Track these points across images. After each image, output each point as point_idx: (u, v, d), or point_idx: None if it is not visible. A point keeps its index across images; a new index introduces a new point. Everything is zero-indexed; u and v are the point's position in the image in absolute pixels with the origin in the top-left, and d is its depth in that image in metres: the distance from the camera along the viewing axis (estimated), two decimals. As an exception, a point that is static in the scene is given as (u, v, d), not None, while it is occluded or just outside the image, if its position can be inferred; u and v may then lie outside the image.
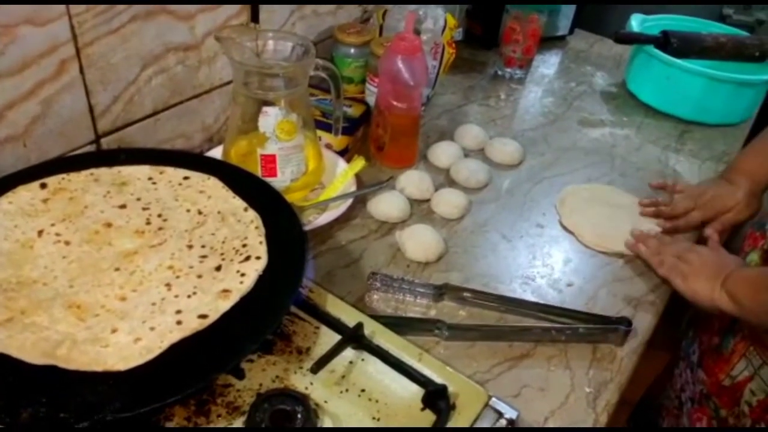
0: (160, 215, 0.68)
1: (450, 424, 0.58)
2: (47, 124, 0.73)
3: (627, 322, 0.75)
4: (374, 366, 0.63)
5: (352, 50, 1.08)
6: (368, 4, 1.18)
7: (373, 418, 0.58)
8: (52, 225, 0.64)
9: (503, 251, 0.87)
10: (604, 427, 0.67)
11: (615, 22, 1.42)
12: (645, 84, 1.28)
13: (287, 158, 0.83)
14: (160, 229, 0.66)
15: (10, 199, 0.66)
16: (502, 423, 0.60)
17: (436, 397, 0.59)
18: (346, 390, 0.60)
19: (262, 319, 0.58)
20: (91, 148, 0.79)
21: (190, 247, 0.64)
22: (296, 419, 0.55)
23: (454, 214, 0.91)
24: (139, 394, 0.51)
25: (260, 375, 0.60)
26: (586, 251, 0.89)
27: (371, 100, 1.04)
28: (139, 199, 0.69)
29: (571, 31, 1.51)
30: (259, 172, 0.82)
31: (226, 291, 0.59)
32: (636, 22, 1.30)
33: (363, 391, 0.60)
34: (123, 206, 0.68)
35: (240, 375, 0.59)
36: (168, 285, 0.60)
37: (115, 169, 0.72)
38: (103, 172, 0.72)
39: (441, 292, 0.77)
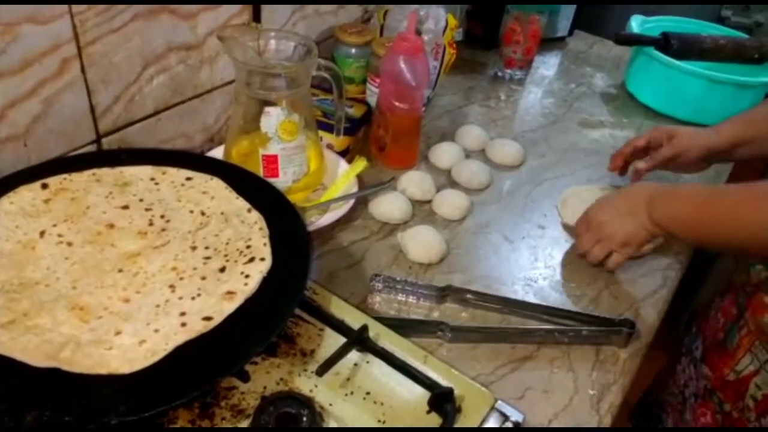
0: (162, 216, 0.67)
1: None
2: (48, 124, 0.72)
3: (630, 324, 0.75)
4: (379, 368, 0.62)
5: (354, 50, 1.07)
6: (369, 4, 1.18)
7: (379, 421, 0.58)
8: (54, 226, 0.64)
9: (505, 252, 0.87)
10: (608, 427, 0.67)
11: (615, 23, 1.42)
12: (645, 85, 1.28)
13: (289, 158, 0.82)
14: (163, 230, 0.66)
15: (12, 200, 0.65)
16: (508, 426, 0.60)
17: (443, 400, 0.59)
18: (351, 393, 0.60)
19: (266, 322, 0.58)
20: (92, 147, 0.79)
21: (193, 248, 0.64)
22: (301, 422, 0.55)
23: (455, 215, 0.91)
24: (144, 398, 0.50)
25: (264, 377, 0.60)
26: (588, 253, 0.89)
27: (372, 100, 1.04)
28: (141, 200, 0.69)
29: (570, 33, 1.51)
30: (260, 173, 0.82)
31: (230, 293, 0.59)
32: (636, 24, 1.30)
33: (368, 393, 0.60)
34: (125, 207, 0.68)
35: (244, 377, 0.59)
36: (172, 287, 0.60)
37: (117, 170, 0.72)
38: (105, 173, 0.71)
39: (443, 293, 0.77)
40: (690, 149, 0.92)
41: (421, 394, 0.60)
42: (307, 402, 0.57)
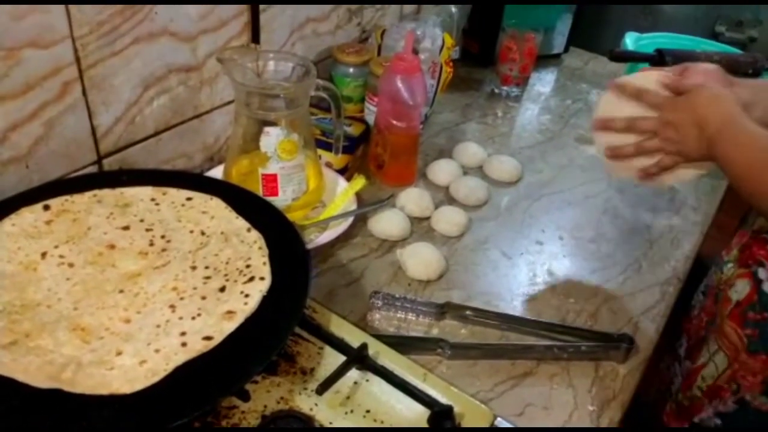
0: (163, 236, 0.68)
1: (455, 445, 0.58)
2: (50, 146, 0.73)
3: (629, 339, 0.75)
4: (379, 386, 0.63)
5: (351, 70, 1.09)
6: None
7: (379, 439, 0.58)
8: (56, 247, 0.64)
9: (504, 269, 0.88)
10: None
11: (609, 40, 1.44)
12: (640, 101, 1.29)
13: (288, 177, 0.83)
14: (163, 250, 0.66)
15: (14, 221, 0.66)
16: (508, 443, 0.60)
17: (442, 418, 0.59)
18: (351, 411, 0.60)
19: (266, 340, 0.58)
20: (94, 168, 0.79)
21: (193, 268, 0.64)
22: (302, 441, 0.55)
23: (454, 232, 0.92)
24: (145, 418, 0.51)
25: (265, 396, 0.60)
26: (587, 267, 0.89)
27: (370, 119, 1.05)
28: (142, 221, 0.69)
29: (566, 49, 1.53)
30: (260, 192, 0.83)
31: (230, 312, 0.59)
32: (630, 41, 1.31)
33: (368, 411, 0.60)
34: (126, 227, 0.68)
35: (245, 397, 0.59)
36: (172, 306, 0.60)
37: (118, 191, 0.73)
38: (106, 194, 0.72)
39: (443, 310, 0.77)
40: None
41: (420, 411, 0.60)
42: (307, 421, 0.57)
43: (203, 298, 0.61)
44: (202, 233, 0.69)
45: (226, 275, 0.64)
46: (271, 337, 0.58)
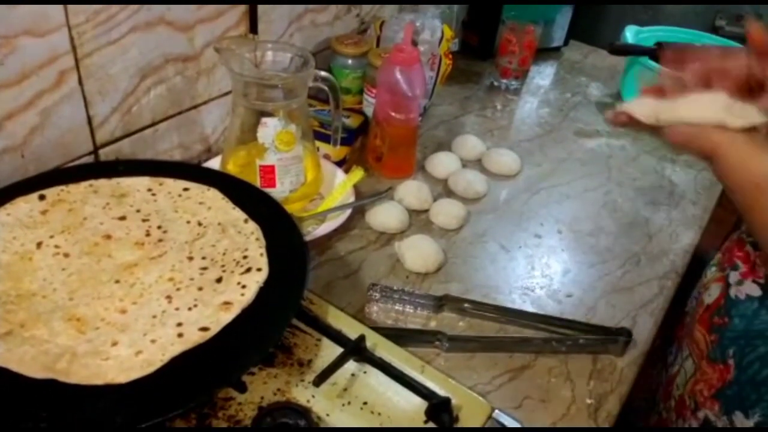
0: (159, 227, 0.67)
1: (453, 437, 0.58)
2: (46, 135, 0.73)
3: (627, 333, 0.75)
4: (376, 378, 0.62)
5: (350, 61, 1.08)
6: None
7: (376, 431, 0.58)
8: (51, 237, 0.64)
9: (502, 262, 0.87)
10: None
11: (609, 33, 1.43)
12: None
13: (286, 169, 0.83)
14: (160, 240, 0.66)
15: (9, 211, 0.65)
16: (505, 435, 0.60)
17: (440, 410, 0.58)
18: (349, 403, 0.60)
19: (263, 332, 0.58)
20: (90, 159, 0.79)
21: (190, 258, 0.64)
22: (299, 432, 0.55)
23: (452, 225, 0.92)
24: (140, 408, 0.50)
25: (262, 388, 0.60)
26: (585, 261, 0.89)
27: (369, 110, 1.04)
28: (138, 211, 0.69)
29: (565, 43, 1.52)
30: (257, 183, 0.82)
31: (227, 303, 0.59)
32: (630, 34, 1.31)
33: (365, 403, 0.60)
34: (122, 218, 0.68)
35: (241, 388, 0.59)
36: (168, 297, 0.60)
37: (114, 181, 0.72)
38: (102, 184, 0.71)
39: (441, 303, 0.77)
40: None
41: (418, 403, 0.60)
42: (304, 412, 0.57)
43: (200, 288, 0.61)
44: (199, 224, 0.68)
45: (222, 266, 0.63)
46: (268, 328, 0.58)
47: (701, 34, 1.36)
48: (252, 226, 0.68)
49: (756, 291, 0.70)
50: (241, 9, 0.89)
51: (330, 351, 0.64)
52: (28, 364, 0.52)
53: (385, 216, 0.89)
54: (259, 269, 0.63)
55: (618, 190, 1.05)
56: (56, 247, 0.63)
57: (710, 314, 0.76)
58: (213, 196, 0.72)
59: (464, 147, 1.09)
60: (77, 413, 0.49)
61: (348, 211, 0.87)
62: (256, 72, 0.81)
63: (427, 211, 0.93)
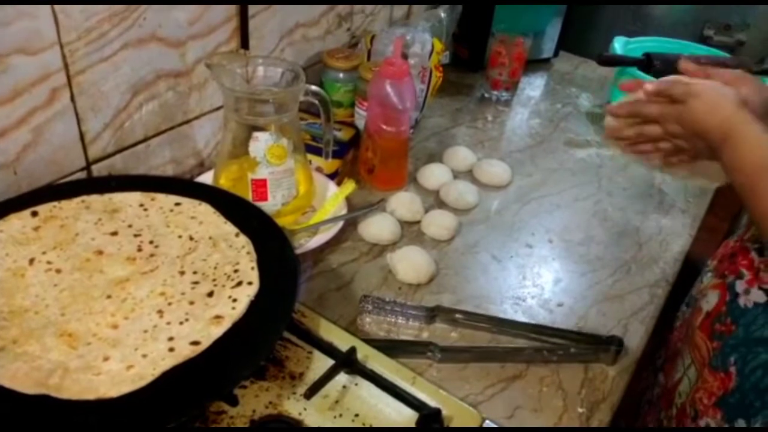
0: (151, 242, 0.68)
1: (444, 448, 0.58)
2: (38, 152, 0.73)
3: (618, 342, 0.75)
4: (368, 390, 0.63)
5: (341, 75, 1.09)
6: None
7: (367, 443, 0.58)
8: (44, 253, 0.64)
9: (494, 272, 0.88)
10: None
11: (599, 44, 1.45)
12: (629, 105, 1.30)
13: (278, 182, 0.83)
14: (151, 255, 0.66)
15: (1, 228, 0.65)
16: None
17: (430, 421, 0.59)
18: (340, 415, 0.60)
19: (254, 345, 0.58)
20: (82, 175, 0.79)
21: (182, 273, 0.65)
22: (290, 445, 0.55)
23: (444, 236, 0.92)
24: (132, 423, 0.51)
25: (253, 401, 0.60)
26: (576, 270, 0.90)
27: (360, 123, 1.05)
28: (130, 226, 0.69)
29: (555, 54, 1.54)
30: (250, 197, 0.83)
31: (218, 317, 0.59)
32: (619, 45, 1.32)
33: (357, 415, 0.60)
34: (114, 233, 0.68)
35: (233, 401, 0.59)
36: (160, 312, 0.60)
37: (106, 196, 0.73)
38: (94, 200, 0.72)
39: (433, 314, 0.77)
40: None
41: (409, 415, 0.60)
42: (296, 425, 0.57)
43: (191, 303, 0.61)
44: (191, 238, 0.69)
45: (214, 280, 0.64)
46: (260, 341, 0.59)
47: (690, 44, 1.38)
48: (243, 240, 0.69)
49: (762, 297, 0.71)
50: (233, 24, 0.90)
51: (321, 363, 0.64)
52: (21, 380, 0.52)
53: (377, 228, 0.90)
54: (250, 283, 0.63)
55: (608, 200, 1.06)
56: (48, 263, 0.64)
57: (711, 321, 0.76)
58: (204, 210, 0.73)
59: (455, 158, 1.10)
60: (70, 428, 0.50)
61: (340, 224, 0.87)
62: (247, 87, 0.82)
63: (418, 222, 0.94)
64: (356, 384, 0.63)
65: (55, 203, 0.70)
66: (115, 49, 0.76)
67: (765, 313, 0.70)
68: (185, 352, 0.56)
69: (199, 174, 0.93)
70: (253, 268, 0.65)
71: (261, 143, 0.80)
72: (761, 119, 0.67)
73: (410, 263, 0.84)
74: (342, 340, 0.67)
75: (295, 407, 0.60)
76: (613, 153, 1.19)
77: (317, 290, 0.80)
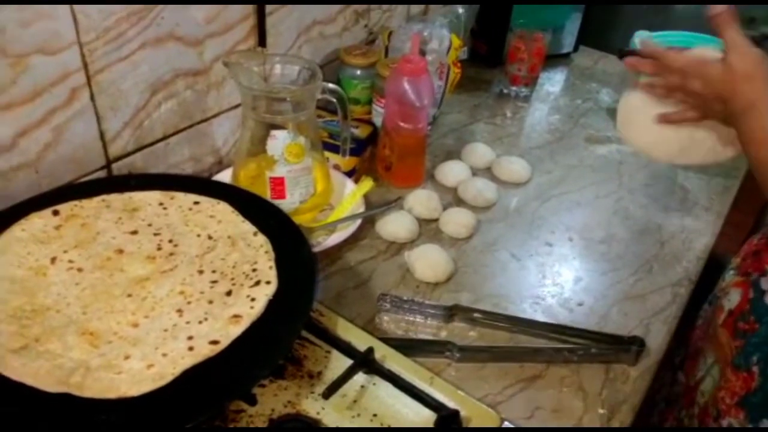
0: (170, 240, 0.68)
1: (463, 448, 0.58)
2: (59, 151, 0.74)
3: (640, 342, 0.74)
4: (386, 390, 0.62)
5: (359, 72, 1.08)
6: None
7: (386, 443, 0.58)
8: (65, 252, 0.65)
9: (513, 270, 0.87)
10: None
11: (619, 38, 1.42)
12: (651, 100, 1.28)
13: (296, 180, 0.83)
14: (171, 254, 0.67)
15: (23, 227, 0.66)
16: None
17: (449, 422, 0.58)
18: (358, 415, 0.60)
19: (273, 344, 0.58)
20: (102, 173, 0.80)
21: (200, 272, 0.65)
22: (309, 445, 0.55)
23: (462, 234, 0.92)
24: (152, 422, 0.51)
25: (272, 400, 0.60)
26: (597, 269, 0.89)
27: (378, 120, 1.05)
28: (150, 225, 0.70)
29: (575, 49, 1.52)
30: (268, 195, 0.83)
31: (236, 316, 0.59)
32: (640, 39, 1.30)
33: (375, 415, 0.60)
34: (134, 232, 0.69)
35: (252, 400, 0.59)
36: (179, 311, 0.60)
37: (126, 195, 0.73)
38: (114, 198, 0.72)
39: (451, 313, 0.77)
40: None
41: (427, 415, 0.60)
42: (314, 425, 0.57)
43: (210, 302, 0.61)
44: (209, 237, 0.69)
45: (232, 279, 0.64)
46: (278, 340, 0.58)
47: (712, 39, 1.35)
48: (261, 239, 0.69)
49: None
50: (250, 22, 0.90)
51: (340, 363, 0.64)
52: (43, 378, 0.53)
53: (394, 225, 0.89)
54: (268, 282, 0.63)
55: (629, 197, 1.05)
56: (70, 261, 0.64)
57: (734, 319, 0.75)
58: (223, 209, 0.73)
59: (474, 155, 1.09)
60: (91, 427, 0.50)
61: (358, 221, 0.87)
62: (265, 85, 0.82)
63: (436, 220, 0.93)
64: (374, 384, 0.63)
65: (76, 202, 0.70)
66: (134, 48, 0.76)
67: None
68: (204, 351, 0.56)
69: (218, 172, 0.94)
70: (271, 267, 0.65)
71: (279, 141, 0.80)
72: None
73: (428, 261, 0.83)
74: (360, 340, 0.67)
75: (313, 406, 0.60)
76: (633, 150, 1.17)
77: (335, 288, 0.80)
